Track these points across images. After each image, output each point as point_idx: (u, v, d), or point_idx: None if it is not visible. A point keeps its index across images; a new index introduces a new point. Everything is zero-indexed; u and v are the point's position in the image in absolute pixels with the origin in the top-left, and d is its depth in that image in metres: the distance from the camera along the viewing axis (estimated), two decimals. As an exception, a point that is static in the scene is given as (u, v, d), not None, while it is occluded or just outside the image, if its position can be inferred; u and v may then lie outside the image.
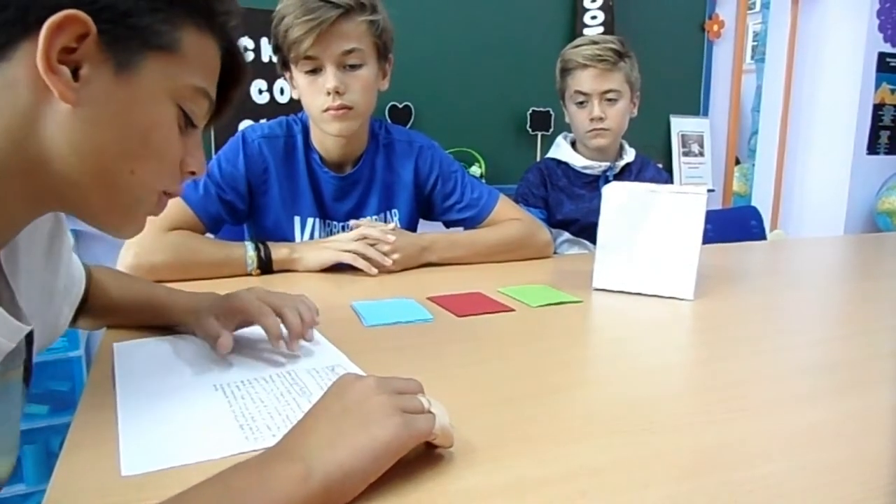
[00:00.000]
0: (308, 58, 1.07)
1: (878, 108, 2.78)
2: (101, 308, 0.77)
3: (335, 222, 1.22)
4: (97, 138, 0.48)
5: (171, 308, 0.76)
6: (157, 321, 0.77)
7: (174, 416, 0.54)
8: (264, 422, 0.53)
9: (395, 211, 1.26)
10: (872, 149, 2.81)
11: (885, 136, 2.83)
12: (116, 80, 0.47)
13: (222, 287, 0.81)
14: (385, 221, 1.23)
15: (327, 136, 1.15)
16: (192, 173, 0.57)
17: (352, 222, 1.16)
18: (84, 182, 0.49)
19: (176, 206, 1.06)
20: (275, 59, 1.15)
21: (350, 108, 1.10)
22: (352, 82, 1.09)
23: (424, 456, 0.47)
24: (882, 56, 2.74)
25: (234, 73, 0.59)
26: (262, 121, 1.27)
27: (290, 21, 1.05)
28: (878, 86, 2.76)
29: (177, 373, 0.65)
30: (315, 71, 1.09)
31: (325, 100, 1.09)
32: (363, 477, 0.41)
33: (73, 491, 0.43)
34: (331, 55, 1.07)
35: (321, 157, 1.20)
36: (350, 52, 1.08)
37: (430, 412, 0.46)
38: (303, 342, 0.70)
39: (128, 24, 0.47)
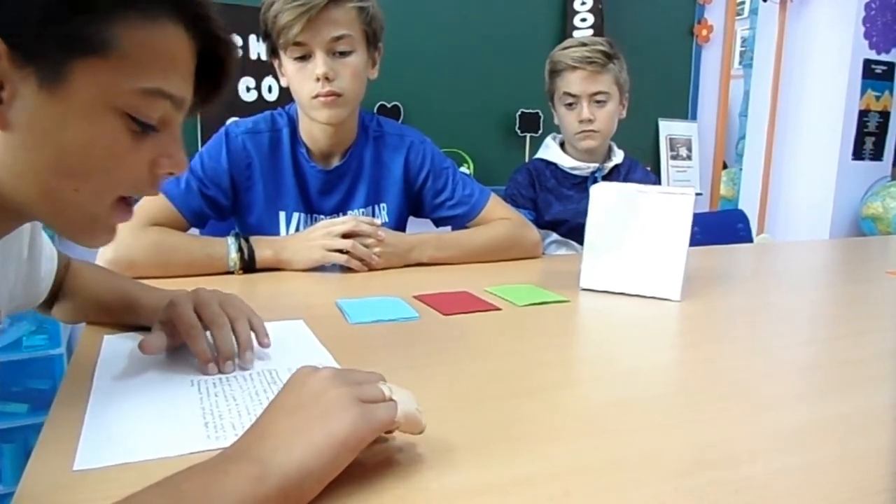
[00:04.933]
0: (297, 44, 1.06)
1: (863, 114, 2.81)
2: (78, 297, 0.75)
3: (321, 216, 1.20)
4: (32, 160, 0.45)
5: (140, 306, 0.72)
6: (129, 319, 0.74)
7: (142, 410, 0.53)
8: (230, 420, 0.51)
9: (383, 205, 1.24)
10: (858, 154, 2.84)
11: (870, 142, 2.86)
12: (43, 96, 0.43)
13: (204, 284, 0.79)
14: (373, 215, 1.22)
15: (315, 125, 1.14)
16: (171, 173, 0.53)
17: (340, 218, 1.15)
18: (32, 203, 0.47)
19: (157, 201, 1.04)
20: (263, 49, 1.13)
21: (339, 95, 1.09)
22: (341, 69, 1.08)
23: (405, 453, 0.46)
24: (867, 63, 2.77)
25: (215, 53, 0.52)
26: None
27: (279, 7, 1.04)
28: (863, 92, 2.79)
29: (157, 367, 0.63)
30: (304, 58, 1.08)
31: (315, 86, 1.07)
32: (321, 477, 0.39)
33: (40, 489, 0.41)
34: (320, 41, 1.06)
35: (308, 150, 1.19)
36: (339, 38, 1.07)
37: (391, 400, 0.44)
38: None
39: (43, 34, 0.42)
